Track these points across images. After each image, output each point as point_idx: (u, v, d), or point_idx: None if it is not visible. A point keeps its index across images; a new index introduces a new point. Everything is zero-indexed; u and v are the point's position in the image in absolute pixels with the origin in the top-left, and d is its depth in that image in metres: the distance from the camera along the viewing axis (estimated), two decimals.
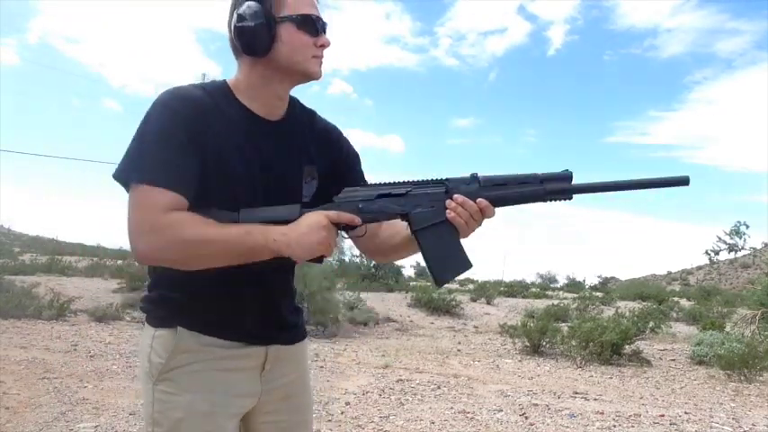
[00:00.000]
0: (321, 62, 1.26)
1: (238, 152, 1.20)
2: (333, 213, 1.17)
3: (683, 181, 1.26)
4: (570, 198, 1.25)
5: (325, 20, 1.26)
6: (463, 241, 1.24)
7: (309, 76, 1.26)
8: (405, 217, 1.24)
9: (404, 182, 1.25)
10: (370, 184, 1.27)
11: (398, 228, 1.32)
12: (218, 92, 1.23)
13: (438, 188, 1.24)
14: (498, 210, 1.23)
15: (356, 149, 1.42)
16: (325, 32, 1.25)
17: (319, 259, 1.19)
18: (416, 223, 1.22)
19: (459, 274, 1.27)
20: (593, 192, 1.26)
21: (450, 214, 1.20)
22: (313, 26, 1.22)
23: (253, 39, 1.18)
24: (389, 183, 1.25)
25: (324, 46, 1.25)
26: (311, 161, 1.31)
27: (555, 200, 1.25)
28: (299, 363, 1.39)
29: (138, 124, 1.15)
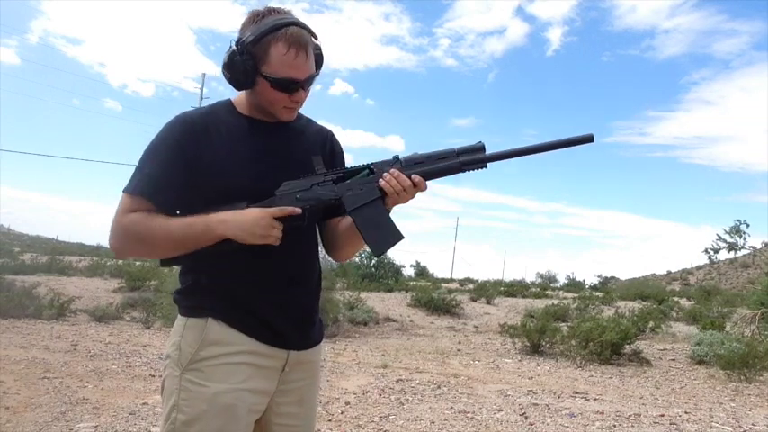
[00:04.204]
0: (295, 109, 1.39)
1: (239, 155, 1.34)
2: (275, 210, 1.29)
3: (588, 139, 1.34)
4: (485, 167, 1.36)
5: (309, 74, 1.34)
6: (395, 216, 1.37)
7: (279, 120, 1.40)
8: (339, 201, 1.35)
9: (336, 170, 1.39)
10: (307, 176, 1.36)
11: (349, 220, 1.42)
12: (221, 108, 1.40)
13: (365, 172, 1.37)
14: (433, 184, 1.36)
15: (342, 148, 1.57)
16: (305, 88, 1.35)
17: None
18: (349, 204, 1.34)
19: (393, 245, 1.39)
20: (505, 158, 1.36)
21: (382, 183, 1.33)
22: (288, 88, 1.32)
23: (233, 81, 1.34)
24: (323, 172, 1.37)
25: (298, 102, 1.36)
26: (314, 153, 1.42)
27: (471, 169, 1.35)
28: (314, 368, 1.48)
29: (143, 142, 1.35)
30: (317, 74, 1.37)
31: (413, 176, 1.32)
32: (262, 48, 1.28)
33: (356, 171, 1.37)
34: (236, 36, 1.34)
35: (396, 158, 1.36)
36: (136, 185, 1.29)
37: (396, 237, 1.36)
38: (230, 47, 1.32)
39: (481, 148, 1.34)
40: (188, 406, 1.27)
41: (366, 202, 1.34)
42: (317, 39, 1.35)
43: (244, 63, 1.29)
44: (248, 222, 1.26)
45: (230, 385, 1.28)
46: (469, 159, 1.34)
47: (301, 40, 1.30)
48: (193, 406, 1.27)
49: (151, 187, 1.29)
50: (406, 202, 1.35)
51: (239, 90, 1.37)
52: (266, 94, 1.33)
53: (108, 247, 1.33)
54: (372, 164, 1.37)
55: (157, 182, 1.29)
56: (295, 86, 1.32)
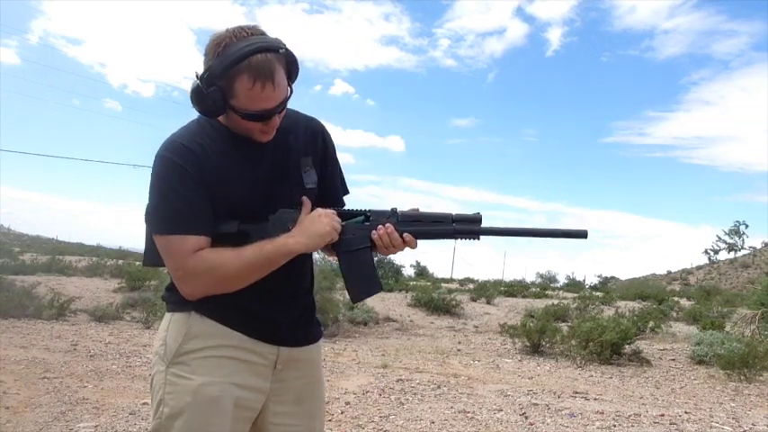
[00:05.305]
0: (272, 131, 1.34)
1: (236, 171, 1.32)
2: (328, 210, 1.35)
3: (582, 234, 1.38)
4: (478, 238, 1.38)
5: (280, 99, 1.28)
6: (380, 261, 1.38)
7: (256, 141, 1.35)
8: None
9: (333, 209, 1.38)
10: (299, 208, 1.36)
11: None
12: (204, 123, 1.34)
13: (361, 218, 1.39)
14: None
15: (333, 141, 1.53)
16: (279, 113, 1.30)
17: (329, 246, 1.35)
18: (340, 246, 1.37)
19: (370, 296, 1.43)
20: (499, 235, 1.38)
21: (374, 235, 1.35)
22: (259, 119, 1.28)
23: (204, 112, 1.29)
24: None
25: (273, 126, 1.32)
26: (305, 154, 1.41)
27: (463, 238, 1.38)
28: (312, 367, 1.46)
29: (149, 177, 1.30)
30: (291, 90, 1.31)
31: (404, 235, 1.35)
32: (227, 81, 1.22)
33: (352, 214, 1.39)
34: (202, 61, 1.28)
35: (393, 211, 1.38)
36: (179, 224, 1.24)
37: (375, 288, 1.41)
38: (195, 80, 1.25)
39: (478, 220, 1.37)
40: (173, 399, 1.27)
41: (356, 248, 1.37)
42: (285, 49, 1.27)
43: (212, 96, 1.24)
44: (307, 224, 1.31)
45: (215, 378, 1.28)
46: (463, 229, 1.37)
47: (266, 69, 1.22)
48: (178, 399, 1.27)
49: (192, 220, 1.25)
50: (394, 254, 1.39)
51: (212, 118, 1.32)
52: (239, 123, 1.30)
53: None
54: (369, 211, 1.39)
55: (193, 214, 1.25)
56: (267, 116, 1.27)
